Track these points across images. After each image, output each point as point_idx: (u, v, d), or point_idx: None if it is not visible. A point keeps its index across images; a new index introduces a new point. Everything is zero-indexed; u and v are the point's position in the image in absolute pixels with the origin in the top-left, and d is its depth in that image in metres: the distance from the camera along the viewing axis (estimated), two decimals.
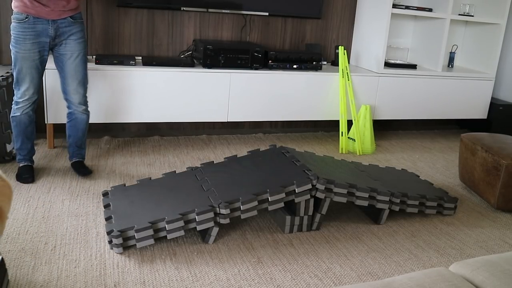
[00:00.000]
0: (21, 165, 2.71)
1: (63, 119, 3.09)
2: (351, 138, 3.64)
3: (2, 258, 1.12)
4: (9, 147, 2.96)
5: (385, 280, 1.26)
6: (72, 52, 2.60)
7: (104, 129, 3.58)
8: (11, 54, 2.53)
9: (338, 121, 3.73)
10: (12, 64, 2.55)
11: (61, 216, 2.30)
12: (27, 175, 2.64)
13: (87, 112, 2.79)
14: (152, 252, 2.06)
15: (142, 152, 3.26)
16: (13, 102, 2.65)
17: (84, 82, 2.71)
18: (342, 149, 3.63)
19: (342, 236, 2.35)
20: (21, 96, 2.60)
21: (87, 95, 2.78)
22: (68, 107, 2.76)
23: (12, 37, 2.50)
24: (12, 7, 2.48)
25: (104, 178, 2.77)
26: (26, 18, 2.46)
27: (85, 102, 2.76)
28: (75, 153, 2.84)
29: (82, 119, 2.77)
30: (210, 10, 3.49)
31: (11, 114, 2.65)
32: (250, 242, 2.21)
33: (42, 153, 3.08)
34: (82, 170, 2.80)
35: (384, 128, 4.42)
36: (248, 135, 3.87)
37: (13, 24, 2.48)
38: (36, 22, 2.48)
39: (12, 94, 3.20)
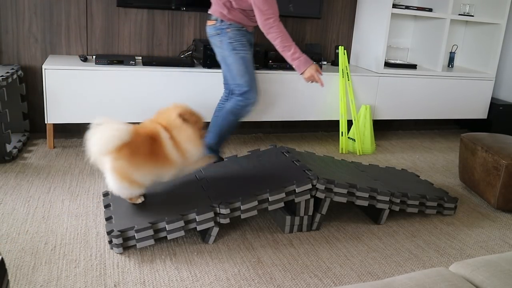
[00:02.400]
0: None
1: (63, 119, 3.09)
2: (351, 138, 3.64)
3: (2, 258, 1.12)
4: (9, 147, 2.96)
5: (385, 280, 1.26)
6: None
7: None
8: (238, 59, 2.71)
9: (338, 121, 3.73)
10: (242, 68, 2.73)
11: (61, 216, 2.30)
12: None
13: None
14: (152, 252, 2.06)
15: None
16: (239, 101, 2.79)
17: None
18: (342, 149, 3.63)
19: (342, 236, 2.35)
20: (257, 97, 2.81)
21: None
22: (224, 100, 2.99)
23: (234, 43, 2.72)
24: (226, 20, 2.71)
25: (104, 178, 2.77)
26: (242, 27, 2.75)
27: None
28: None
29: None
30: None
31: (237, 112, 2.80)
32: (250, 242, 2.21)
33: (42, 153, 3.08)
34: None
35: (384, 128, 4.42)
36: (248, 135, 3.87)
37: (233, 33, 2.71)
38: (245, 32, 2.77)
39: (12, 94, 3.20)
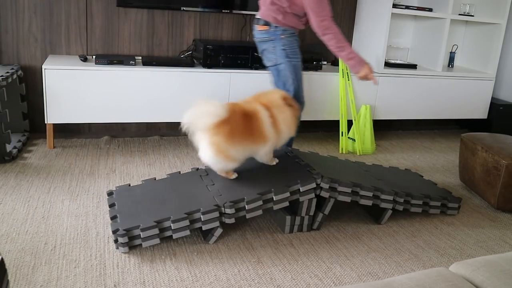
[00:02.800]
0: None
1: (63, 119, 3.09)
2: (351, 138, 3.64)
3: (2, 258, 1.12)
4: (9, 147, 2.96)
5: (385, 280, 1.26)
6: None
7: (104, 129, 3.58)
8: (290, 66, 2.73)
9: (338, 121, 3.73)
10: (292, 75, 2.76)
11: (61, 216, 2.30)
12: None
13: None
14: (152, 252, 2.06)
15: (142, 152, 3.26)
16: None
17: None
18: (342, 149, 3.63)
19: (342, 236, 2.35)
20: (304, 102, 2.86)
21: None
22: None
23: (288, 50, 2.72)
24: (281, 24, 2.71)
25: (104, 178, 2.77)
26: (294, 33, 2.76)
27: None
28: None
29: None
30: (210, 10, 3.49)
31: None
32: (250, 242, 2.21)
33: (42, 153, 3.08)
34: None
35: (384, 128, 4.41)
36: None
37: (287, 39, 2.72)
38: (296, 36, 2.79)
39: (12, 94, 3.20)
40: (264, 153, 2.33)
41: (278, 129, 2.30)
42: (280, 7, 2.68)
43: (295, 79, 2.78)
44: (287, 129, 2.35)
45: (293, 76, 2.77)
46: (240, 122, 2.18)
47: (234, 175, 2.33)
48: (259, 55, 2.95)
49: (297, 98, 2.78)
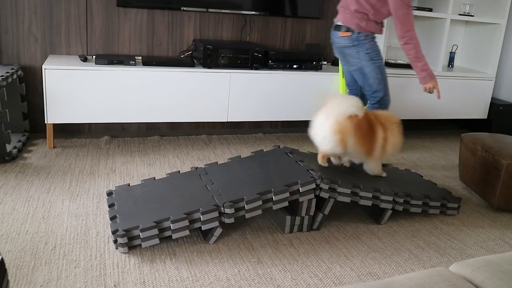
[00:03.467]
0: None
1: (63, 119, 3.09)
2: None
3: (2, 258, 1.12)
4: (9, 147, 2.96)
5: (385, 280, 1.26)
6: None
7: (104, 129, 3.58)
8: (375, 68, 2.94)
9: None
10: (378, 76, 2.98)
11: (61, 216, 2.30)
12: None
13: None
14: (152, 252, 2.06)
15: (142, 152, 3.26)
16: (376, 108, 3.03)
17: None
18: None
19: (342, 236, 2.35)
20: (390, 101, 3.07)
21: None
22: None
23: (371, 53, 2.93)
24: (363, 31, 2.90)
25: (104, 178, 2.77)
26: (374, 37, 2.97)
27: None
28: None
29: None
30: (210, 10, 3.49)
31: None
32: (250, 242, 2.21)
33: (42, 153, 3.08)
34: None
35: None
36: (248, 135, 3.87)
37: (370, 44, 2.93)
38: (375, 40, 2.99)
39: (12, 94, 3.20)
40: (369, 169, 2.55)
41: (384, 150, 2.50)
42: (364, 15, 2.87)
43: (381, 79, 2.99)
44: (391, 153, 2.55)
45: (380, 76, 2.98)
46: (363, 128, 2.39)
47: (324, 164, 2.44)
48: (338, 58, 3.17)
49: (384, 97, 3.02)
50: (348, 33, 2.90)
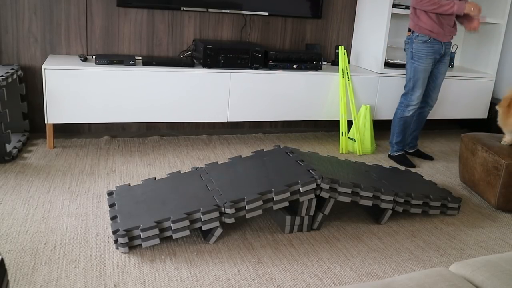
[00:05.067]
0: (398, 154, 3.46)
1: (63, 119, 3.09)
2: (351, 138, 3.64)
3: (2, 258, 1.12)
4: (9, 147, 2.96)
5: (385, 280, 1.26)
6: (444, 70, 3.37)
7: (104, 129, 3.58)
8: (411, 67, 3.24)
9: (338, 121, 3.73)
10: (411, 75, 3.27)
11: (61, 216, 2.30)
12: (408, 161, 3.40)
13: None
14: (152, 252, 2.06)
15: (142, 152, 3.26)
16: (400, 102, 3.39)
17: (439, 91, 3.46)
18: (342, 149, 3.63)
19: (342, 236, 2.35)
20: (416, 101, 3.32)
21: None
22: (420, 106, 3.41)
23: (414, 53, 3.21)
24: (416, 30, 3.18)
25: (104, 178, 2.77)
26: (429, 39, 3.17)
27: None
28: (415, 144, 3.62)
29: (426, 115, 3.52)
30: (210, 10, 3.49)
31: (399, 112, 3.40)
32: (250, 242, 2.21)
33: (42, 153, 3.08)
34: (427, 155, 3.60)
35: (384, 128, 4.41)
36: (248, 135, 3.87)
37: (417, 44, 3.20)
38: (434, 43, 3.19)
39: (12, 94, 3.21)
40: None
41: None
42: (412, 11, 3.21)
43: (411, 79, 3.26)
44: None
45: (411, 75, 3.25)
46: None
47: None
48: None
49: (407, 94, 3.31)
50: (409, 33, 3.28)
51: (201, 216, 2.07)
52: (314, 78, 3.58)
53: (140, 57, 3.45)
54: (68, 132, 3.49)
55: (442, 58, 3.29)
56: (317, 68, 3.63)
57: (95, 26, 3.38)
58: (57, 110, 3.06)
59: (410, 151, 3.60)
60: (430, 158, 3.58)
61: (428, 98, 3.42)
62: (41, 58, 3.33)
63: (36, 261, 1.92)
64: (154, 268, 1.94)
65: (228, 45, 3.41)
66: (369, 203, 2.36)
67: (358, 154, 3.59)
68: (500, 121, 2.91)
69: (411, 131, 3.54)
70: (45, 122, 3.09)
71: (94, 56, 3.31)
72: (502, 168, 2.65)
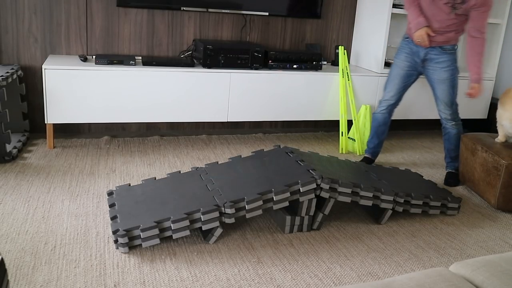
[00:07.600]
0: (365, 155, 3.35)
1: (63, 119, 3.09)
2: (351, 138, 3.64)
3: (2, 258, 1.12)
4: (9, 147, 2.96)
5: (385, 280, 1.26)
6: (439, 79, 3.02)
7: (104, 129, 3.58)
8: (392, 65, 3.18)
9: (338, 121, 3.73)
10: (390, 72, 3.20)
11: (61, 216, 2.30)
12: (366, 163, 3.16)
13: (457, 127, 3.11)
14: (152, 252, 2.06)
15: (142, 152, 3.26)
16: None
17: (451, 104, 3.06)
18: (342, 149, 3.63)
19: (342, 236, 2.35)
20: (386, 99, 3.21)
21: (452, 111, 3.09)
22: (443, 126, 3.16)
23: (398, 51, 3.15)
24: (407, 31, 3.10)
25: (104, 178, 2.77)
26: (407, 38, 3.09)
27: (453, 119, 3.09)
28: (448, 164, 3.21)
29: (452, 132, 3.12)
30: (210, 10, 3.49)
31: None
32: (250, 242, 2.21)
33: (42, 153, 3.08)
34: (450, 180, 3.13)
35: None
36: (248, 135, 3.87)
37: (401, 42, 3.14)
38: (411, 43, 3.06)
39: (12, 94, 3.21)
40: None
41: None
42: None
43: (388, 77, 3.20)
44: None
45: (389, 73, 3.19)
46: None
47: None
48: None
49: (384, 92, 3.21)
50: None
51: (201, 216, 2.07)
52: (314, 78, 3.58)
53: (140, 57, 3.45)
54: (68, 132, 3.49)
55: (428, 64, 3.01)
56: (317, 68, 3.63)
57: (95, 26, 3.38)
58: (57, 110, 3.06)
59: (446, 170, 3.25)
60: (452, 184, 3.14)
61: (439, 112, 3.11)
62: (41, 58, 3.33)
63: (36, 261, 1.92)
64: (154, 268, 1.94)
65: (228, 45, 3.41)
66: (369, 203, 2.36)
67: (358, 154, 3.59)
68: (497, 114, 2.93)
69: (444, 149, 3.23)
70: (45, 122, 3.09)
71: (94, 56, 3.31)
72: (502, 168, 2.66)
